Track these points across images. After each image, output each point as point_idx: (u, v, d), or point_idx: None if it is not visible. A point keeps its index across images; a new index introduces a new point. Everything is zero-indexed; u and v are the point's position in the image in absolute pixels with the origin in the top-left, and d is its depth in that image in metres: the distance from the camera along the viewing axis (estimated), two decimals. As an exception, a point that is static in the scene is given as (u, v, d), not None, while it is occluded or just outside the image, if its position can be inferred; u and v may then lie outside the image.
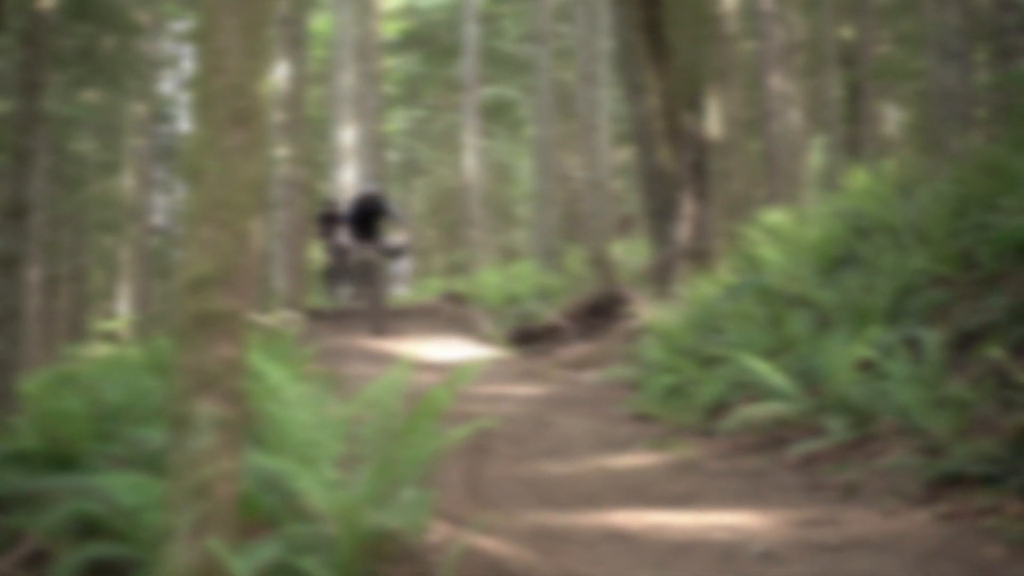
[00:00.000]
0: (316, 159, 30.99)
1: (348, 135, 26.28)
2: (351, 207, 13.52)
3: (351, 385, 9.40)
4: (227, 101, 3.33)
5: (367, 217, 13.37)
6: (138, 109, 31.32)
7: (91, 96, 26.96)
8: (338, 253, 19.75)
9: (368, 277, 13.24)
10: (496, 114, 35.28)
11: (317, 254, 27.11)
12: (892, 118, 28.04)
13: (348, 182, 25.50)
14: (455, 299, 21.54)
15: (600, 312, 15.65)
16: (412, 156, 39.07)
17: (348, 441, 4.06)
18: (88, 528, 4.15)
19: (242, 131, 3.33)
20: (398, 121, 37.95)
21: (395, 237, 13.52)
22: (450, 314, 19.62)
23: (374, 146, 28.15)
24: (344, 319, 17.58)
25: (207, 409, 3.16)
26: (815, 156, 31.84)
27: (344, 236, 13.60)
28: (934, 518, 5.39)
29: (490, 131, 35.54)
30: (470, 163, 29.43)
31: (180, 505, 3.14)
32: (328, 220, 21.05)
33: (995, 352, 6.34)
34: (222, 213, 3.26)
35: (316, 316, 19.15)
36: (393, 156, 38.05)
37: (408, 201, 40.77)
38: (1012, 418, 5.89)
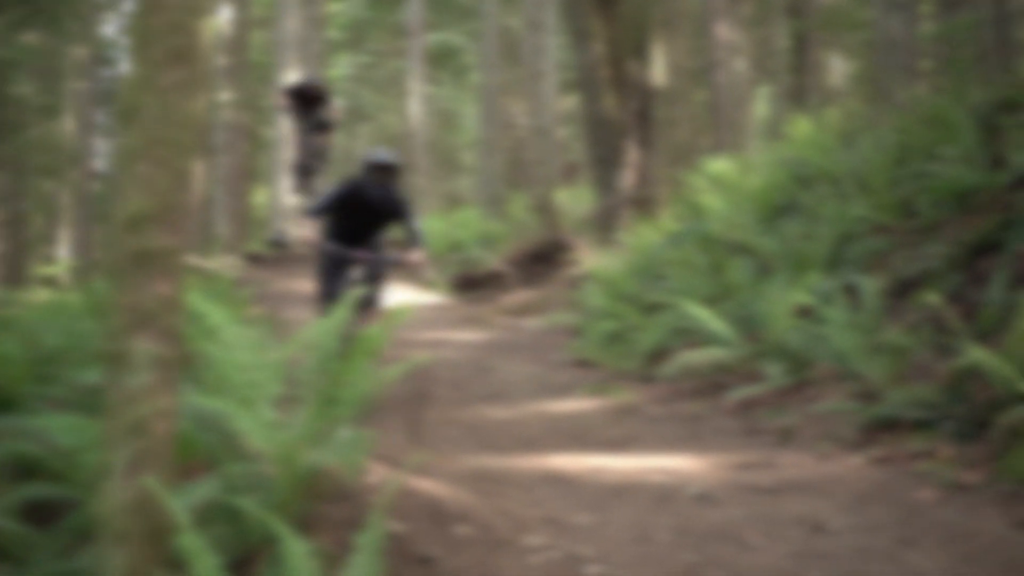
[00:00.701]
0: (259, 104, 30.69)
1: (292, 80, 26.03)
2: (342, 191, 7.88)
3: (290, 328, 9.40)
4: (165, 38, 3.29)
5: (369, 215, 8.07)
6: (79, 52, 30.82)
7: (31, 38, 26.50)
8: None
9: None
10: (441, 60, 35.07)
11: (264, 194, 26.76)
12: (838, 68, 28.10)
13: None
14: (398, 245, 21.47)
15: (543, 259, 15.67)
16: (357, 102, 38.76)
17: (286, 382, 4.06)
18: (26, 469, 4.14)
19: (180, 69, 3.30)
20: (343, 67, 37.62)
21: (411, 255, 8.23)
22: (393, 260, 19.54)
23: (318, 91, 27.88)
24: (284, 264, 17.52)
25: (144, 346, 3.14)
26: (760, 106, 31.94)
27: (314, 230, 8.02)
28: (868, 462, 5.48)
29: (435, 78, 35.34)
30: (415, 110, 29.23)
31: (116, 443, 3.12)
32: (303, 100, 17.34)
33: (932, 299, 6.43)
34: (159, 151, 3.23)
35: (257, 261, 19.08)
36: (337, 102, 37.74)
37: (352, 147, 40.55)
38: (947, 364, 5.98)
